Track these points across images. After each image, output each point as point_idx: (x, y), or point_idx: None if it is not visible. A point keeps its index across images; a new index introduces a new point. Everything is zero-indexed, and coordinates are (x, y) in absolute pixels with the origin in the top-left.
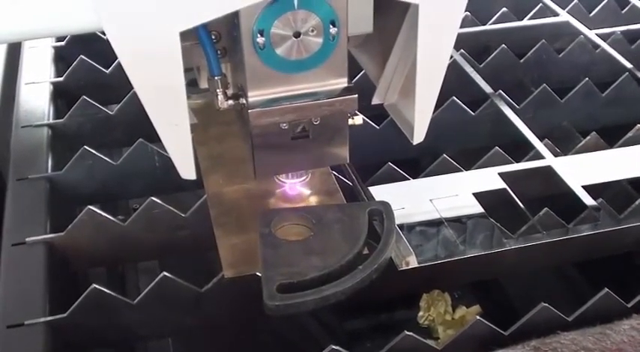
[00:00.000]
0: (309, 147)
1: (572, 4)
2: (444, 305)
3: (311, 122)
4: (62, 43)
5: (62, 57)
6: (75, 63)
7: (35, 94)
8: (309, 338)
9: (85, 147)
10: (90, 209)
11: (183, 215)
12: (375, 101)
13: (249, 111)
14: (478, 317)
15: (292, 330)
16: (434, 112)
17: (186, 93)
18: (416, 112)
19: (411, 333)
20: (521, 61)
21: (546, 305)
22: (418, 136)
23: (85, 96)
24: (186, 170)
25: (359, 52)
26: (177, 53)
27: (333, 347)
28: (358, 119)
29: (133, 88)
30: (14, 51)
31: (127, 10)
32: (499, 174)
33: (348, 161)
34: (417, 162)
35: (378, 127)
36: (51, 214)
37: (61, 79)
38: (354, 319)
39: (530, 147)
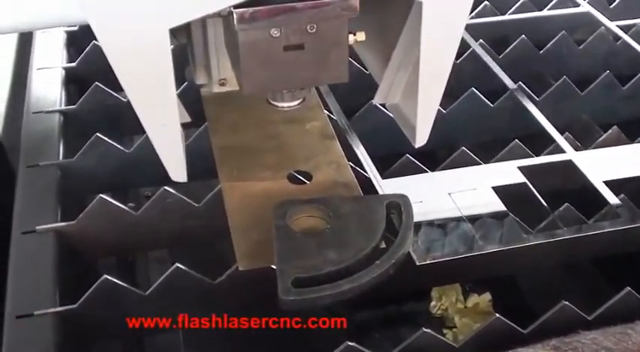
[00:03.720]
0: (304, 61)
1: None
2: (456, 294)
3: (306, 30)
4: (75, 28)
5: (75, 42)
6: (88, 48)
7: (47, 80)
8: (318, 329)
9: (97, 134)
10: (101, 197)
11: (196, 205)
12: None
13: (235, 10)
14: (497, 315)
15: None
16: (452, 104)
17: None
18: (418, 114)
19: (428, 330)
20: (541, 52)
21: (567, 303)
22: (421, 139)
23: (97, 83)
24: (177, 172)
25: (362, 48)
26: (166, 50)
27: (349, 343)
28: (361, 35)
29: None
30: (26, 36)
31: (115, 7)
32: (519, 167)
33: (347, 80)
34: (435, 155)
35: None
36: (62, 202)
37: (73, 64)
38: (363, 311)
39: (550, 140)
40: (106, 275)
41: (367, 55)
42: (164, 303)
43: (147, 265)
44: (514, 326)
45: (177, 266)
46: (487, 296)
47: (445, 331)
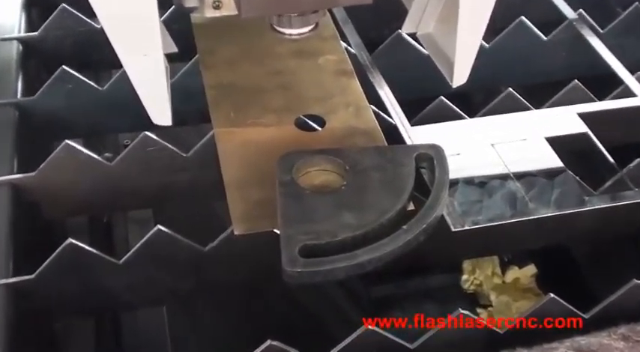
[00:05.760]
0: None
1: None
2: (492, 267)
3: None
4: None
5: None
6: None
7: (4, 2)
8: (329, 305)
9: (64, 67)
10: (68, 144)
11: (184, 154)
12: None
13: None
14: (552, 295)
15: (310, 296)
16: (497, 36)
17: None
18: (457, 46)
19: (466, 312)
20: None
21: (639, 282)
22: (459, 77)
23: (65, 5)
24: (160, 114)
25: None
26: None
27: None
28: None
29: None
30: None
31: None
32: (579, 114)
33: (370, 1)
34: (476, 98)
35: (427, 53)
36: (19, 149)
37: None
38: (382, 284)
39: (617, 82)
40: (70, 239)
41: None
42: (143, 274)
43: (126, 228)
44: (572, 309)
45: (159, 229)
46: (530, 270)
47: (479, 310)
